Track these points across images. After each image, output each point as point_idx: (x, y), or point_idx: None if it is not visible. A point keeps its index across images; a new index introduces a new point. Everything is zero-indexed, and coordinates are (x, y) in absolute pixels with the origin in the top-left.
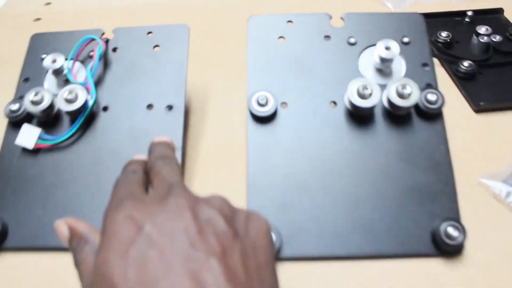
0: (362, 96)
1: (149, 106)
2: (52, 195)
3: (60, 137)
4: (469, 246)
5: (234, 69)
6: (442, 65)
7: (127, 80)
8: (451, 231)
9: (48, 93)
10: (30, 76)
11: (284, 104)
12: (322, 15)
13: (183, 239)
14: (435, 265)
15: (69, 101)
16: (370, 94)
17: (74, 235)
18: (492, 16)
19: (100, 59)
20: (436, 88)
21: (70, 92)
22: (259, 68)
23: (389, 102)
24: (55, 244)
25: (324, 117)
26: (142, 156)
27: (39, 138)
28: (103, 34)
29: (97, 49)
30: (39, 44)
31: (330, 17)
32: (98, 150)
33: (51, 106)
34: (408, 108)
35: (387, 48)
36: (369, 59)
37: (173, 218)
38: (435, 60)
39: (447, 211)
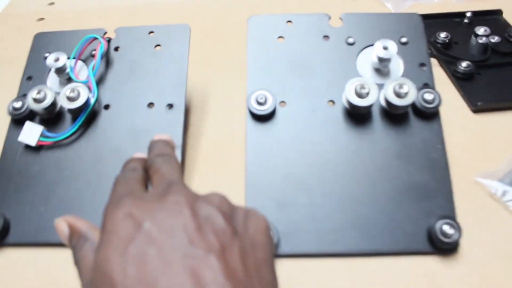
0: (359, 95)
1: (150, 105)
2: (53, 191)
3: (62, 134)
4: (464, 244)
5: (234, 69)
6: (441, 65)
7: (128, 79)
8: (447, 229)
9: (50, 91)
10: (33, 75)
11: (283, 103)
12: (321, 15)
13: (182, 236)
14: (430, 263)
15: (71, 99)
16: (368, 93)
17: (73, 233)
18: (491, 17)
19: (102, 58)
20: (433, 88)
21: (72, 90)
22: (258, 68)
23: (387, 101)
24: (56, 239)
25: (322, 115)
26: (142, 154)
27: (42, 135)
28: (105, 33)
29: (99, 48)
30: (42, 43)
31: (329, 18)
32: (99, 148)
33: (53, 104)
34: (405, 107)
35: (385, 48)
36: (367, 59)
37: (172, 216)
38: (434, 61)
39: (443, 209)
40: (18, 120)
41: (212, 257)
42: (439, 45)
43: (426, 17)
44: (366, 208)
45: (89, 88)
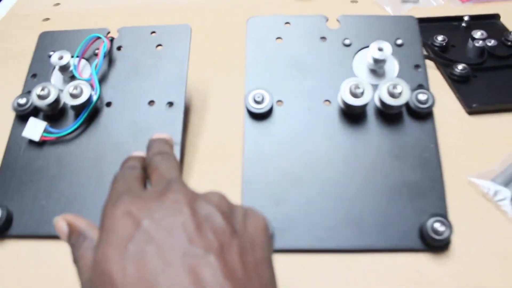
0: (354, 95)
1: (151, 103)
2: (55, 186)
3: (65, 130)
4: (456, 242)
5: (233, 69)
6: (438, 68)
7: (130, 77)
8: (438, 226)
9: (54, 88)
10: (37, 72)
11: (280, 102)
12: (318, 17)
13: (181, 235)
14: (422, 260)
15: (74, 96)
16: (362, 93)
17: (73, 231)
18: (488, 21)
19: (105, 57)
20: (427, 89)
21: (75, 87)
22: (257, 67)
23: (381, 101)
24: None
25: (318, 115)
26: (141, 152)
27: (45, 131)
28: (108, 33)
29: (102, 47)
30: (47, 42)
31: (327, 19)
32: (100, 144)
33: (57, 100)
34: (399, 107)
35: (380, 49)
36: (363, 60)
37: (171, 214)
38: (431, 63)
39: (435, 207)
40: (23, 116)
41: (211, 256)
42: (436, 48)
43: (424, 21)
44: (359, 205)
45: (92, 86)
